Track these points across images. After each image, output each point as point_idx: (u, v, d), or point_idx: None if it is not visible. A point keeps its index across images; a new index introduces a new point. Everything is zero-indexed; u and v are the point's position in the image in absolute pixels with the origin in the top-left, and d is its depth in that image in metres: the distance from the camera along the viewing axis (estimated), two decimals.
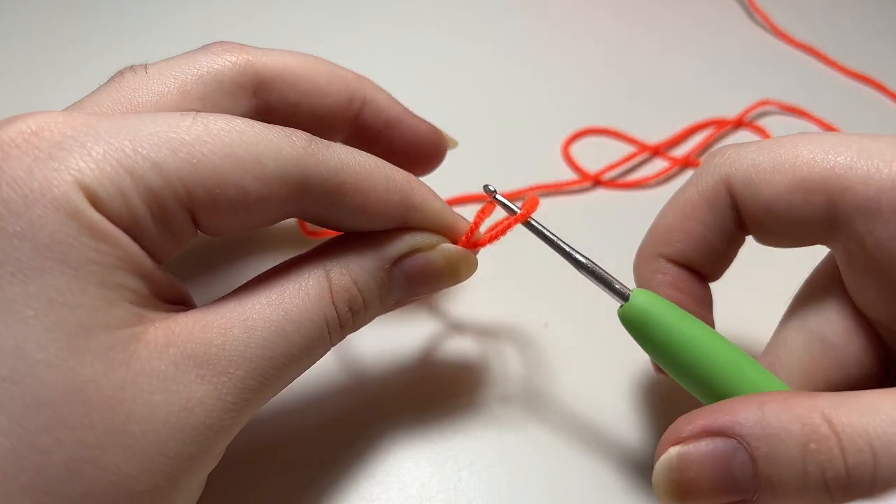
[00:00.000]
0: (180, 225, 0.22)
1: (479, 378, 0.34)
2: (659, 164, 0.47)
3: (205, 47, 0.28)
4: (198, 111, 0.22)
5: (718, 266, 0.29)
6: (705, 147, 0.49)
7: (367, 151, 0.26)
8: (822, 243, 0.27)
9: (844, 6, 0.65)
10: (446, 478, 0.30)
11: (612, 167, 0.46)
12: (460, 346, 0.35)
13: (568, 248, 0.28)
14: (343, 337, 0.25)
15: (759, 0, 0.63)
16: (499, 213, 0.29)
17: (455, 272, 0.28)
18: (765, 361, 0.29)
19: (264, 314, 0.23)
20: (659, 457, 0.24)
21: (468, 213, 0.29)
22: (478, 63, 0.56)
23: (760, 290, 0.35)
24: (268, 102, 0.29)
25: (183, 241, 0.23)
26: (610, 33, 0.61)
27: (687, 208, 0.28)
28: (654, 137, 0.48)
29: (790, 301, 0.30)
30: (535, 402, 0.33)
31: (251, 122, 0.23)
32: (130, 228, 0.21)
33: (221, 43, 0.29)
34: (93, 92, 0.26)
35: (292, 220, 0.40)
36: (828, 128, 0.50)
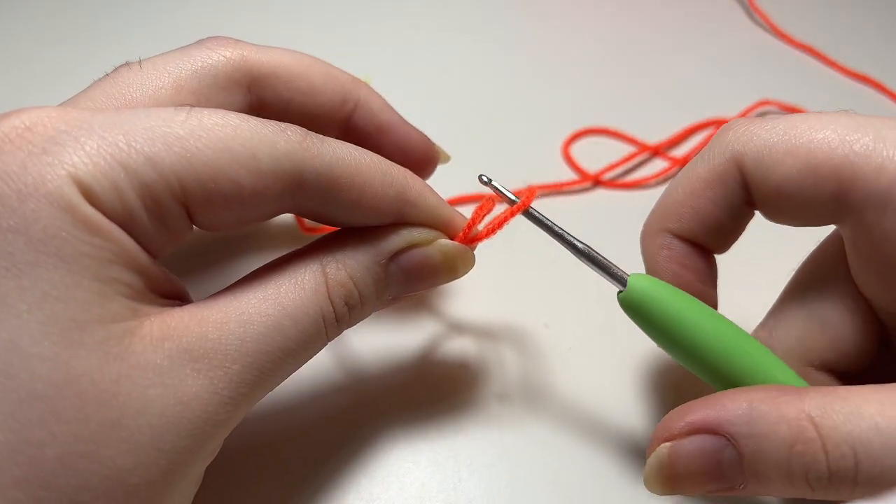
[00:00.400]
0: (175, 219, 0.22)
1: (478, 377, 0.34)
2: (659, 164, 0.47)
3: (200, 42, 0.28)
4: (192, 106, 0.22)
5: (726, 241, 0.29)
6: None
7: None
8: (831, 224, 0.26)
9: (844, 6, 0.65)
10: (446, 478, 0.30)
11: (611, 167, 0.46)
12: (460, 346, 0.35)
13: (567, 236, 0.28)
14: (339, 332, 0.25)
15: (759, 0, 0.63)
16: (498, 210, 0.29)
17: (452, 268, 0.28)
18: (762, 336, 0.29)
19: (260, 309, 0.23)
20: (650, 453, 0.25)
21: (468, 213, 0.29)
22: (477, 63, 0.56)
23: (761, 263, 0.34)
24: (261, 99, 0.29)
25: (178, 235, 0.23)
26: (610, 33, 0.61)
27: (697, 185, 0.27)
28: (654, 137, 0.48)
29: (790, 276, 0.29)
30: (535, 402, 0.33)
31: (246, 116, 0.23)
32: (125, 223, 0.21)
33: (216, 38, 0.29)
34: (87, 87, 0.26)
35: (290, 217, 0.40)
36: None
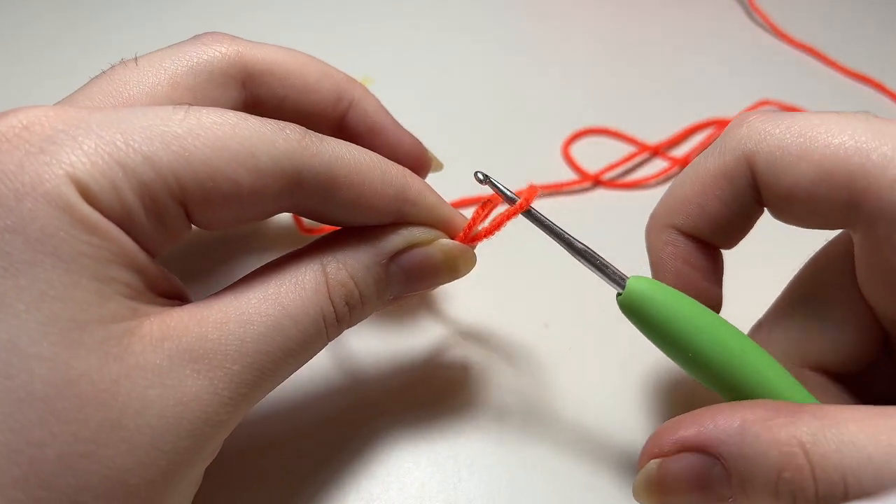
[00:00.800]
0: (173, 218, 0.22)
1: (479, 378, 0.34)
2: (659, 164, 0.47)
3: (195, 38, 0.28)
4: (190, 104, 0.22)
5: (733, 238, 0.28)
6: (705, 147, 0.48)
7: None
8: (841, 229, 0.26)
9: (844, 6, 0.65)
10: (446, 478, 0.30)
11: (611, 167, 0.46)
12: (460, 346, 0.35)
13: (567, 236, 0.28)
14: (340, 332, 0.25)
15: (759, 0, 0.63)
16: (499, 211, 0.29)
17: (453, 267, 0.28)
18: (760, 335, 0.28)
19: (261, 309, 0.23)
20: (641, 467, 0.25)
21: (469, 215, 0.29)
22: (477, 63, 0.56)
23: (765, 260, 0.34)
24: (256, 95, 0.29)
25: (177, 234, 0.23)
26: (610, 33, 0.61)
27: (706, 181, 0.27)
28: (654, 137, 0.48)
29: (792, 276, 0.29)
30: (534, 402, 0.33)
31: (244, 115, 0.23)
32: (123, 222, 0.20)
33: (212, 33, 0.29)
34: (84, 85, 0.26)
35: (289, 217, 0.40)
36: None
